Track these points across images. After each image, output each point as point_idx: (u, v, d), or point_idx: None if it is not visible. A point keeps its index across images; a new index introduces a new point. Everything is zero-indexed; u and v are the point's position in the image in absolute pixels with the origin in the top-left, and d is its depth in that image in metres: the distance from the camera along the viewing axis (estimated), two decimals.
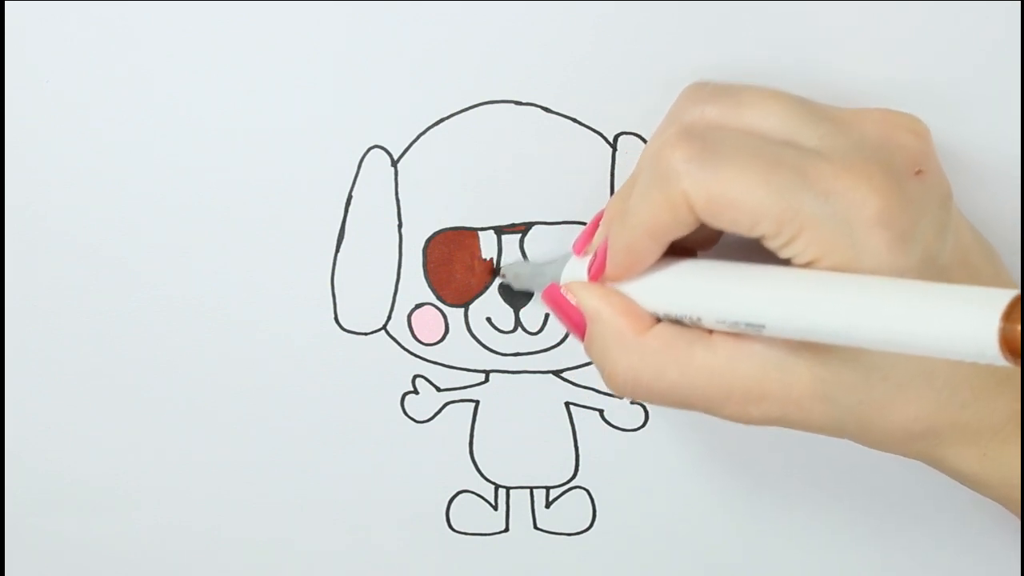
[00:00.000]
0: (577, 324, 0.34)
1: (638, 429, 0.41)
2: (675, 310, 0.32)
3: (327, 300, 0.39)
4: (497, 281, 0.39)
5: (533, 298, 0.39)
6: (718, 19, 0.35)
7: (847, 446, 0.40)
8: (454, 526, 0.43)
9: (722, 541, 0.42)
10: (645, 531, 0.42)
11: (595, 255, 0.34)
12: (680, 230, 0.30)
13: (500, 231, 0.38)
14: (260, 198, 0.38)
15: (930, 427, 0.31)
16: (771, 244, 0.29)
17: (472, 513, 0.42)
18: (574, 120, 0.37)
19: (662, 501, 0.42)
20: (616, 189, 0.37)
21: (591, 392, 0.40)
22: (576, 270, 0.35)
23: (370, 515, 0.43)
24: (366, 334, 0.40)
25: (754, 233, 0.29)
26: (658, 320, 0.33)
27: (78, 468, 0.42)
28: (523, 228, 0.38)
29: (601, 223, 0.34)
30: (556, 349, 0.40)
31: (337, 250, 0.39)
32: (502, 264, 0.38)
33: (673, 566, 0.43)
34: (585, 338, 0.34)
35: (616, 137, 0.37)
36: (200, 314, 0.40)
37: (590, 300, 0.33)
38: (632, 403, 0.41)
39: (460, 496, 0.42)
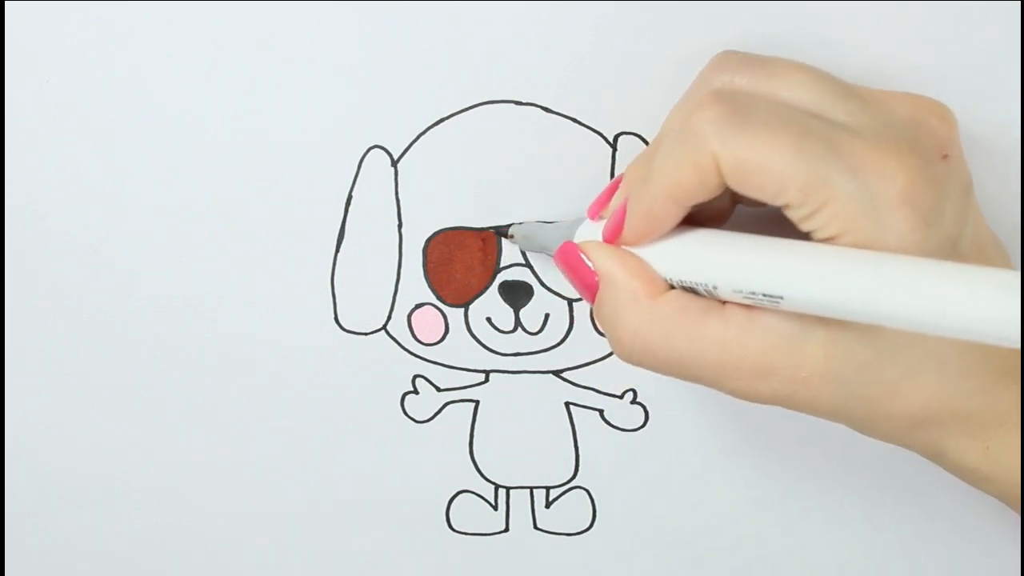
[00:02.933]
0: (589, 285, 0.33)
1: (638, 429, 0.41)
2: (690, 277, 0.31)
3: (327, 300, 0.39)
4: (497, 281, 0.39)
5: (533, 298, 0.39)
6: (719, 18, 0.35)
7: (848, 445, 0.40)
8: (454, 526, 0.43)
9: (722, 541, 0.42)
10: (645, 531, 0.42)
11: (612, 216, 0.33)
12: (704, 194, 0.30)
13: (500, 231, 0.38)
14: (260, 198, 0.38)
15: (935, 415, 0.31)
16: (794, 214, 0.29)
17: (472, 513, 0.42)
18: (574, 120, 0.37)
19: (662, 501, 0.42)
20: None
21: (591, 392, 0.40)
22: (589, 234, 0.34)
23: (370, 515, 0.43)
24: (366, 334, 0.40)
25: (779, 201, 0.29)
26: (671, 287, 0.32)
27: (78, 468, 0.42)
28: None
29: (620, 186, 0.34)
30: (556, 349, 0.40)
31: (337, 250, 0.39)
32: (512, 226, 0.38)
33: (673, 566, 0.43)
34: (596, 300, 0.33)
35: (616, 137, 0.37)
36: (200, 314, 0.40)
37: (604, 261, 0.33)
38: (632, 403, 0.41)
39: (460, 496, 0.42)
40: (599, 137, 0.37)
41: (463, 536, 0.43)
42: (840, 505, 0.42)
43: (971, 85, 0.36)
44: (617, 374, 0.40)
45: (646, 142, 0.37)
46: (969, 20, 0.35)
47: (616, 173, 0.37)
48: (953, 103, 0.34)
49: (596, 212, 0.34)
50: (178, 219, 0.38)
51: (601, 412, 0.41)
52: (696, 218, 0.32)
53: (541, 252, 0.37)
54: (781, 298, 0.29)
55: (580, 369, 0.40)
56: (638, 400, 0.40)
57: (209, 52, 0.36)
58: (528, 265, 0.39)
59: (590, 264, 0.33)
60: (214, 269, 0.39)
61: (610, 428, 0.41)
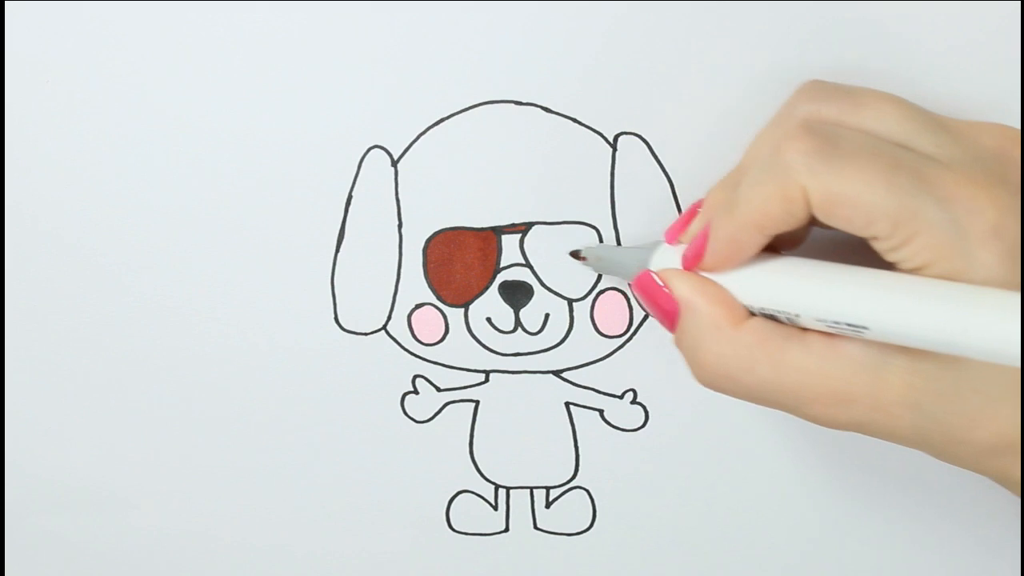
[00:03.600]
0: (668, 313, 0.33)
1: (638, 429, 0.41)
2: (772, 305, 0.31)
3: (327, 300, 0.39)
4: (497, 281, 0.39)
5: (533, 298, 0.39)
6: (718, 19, 0.35)
7: (848, 446, 0.40)
8: (454, 526, 0.43)
9: (722, 541, 0.42)
10: (645, 531, 0.42)
11: (693, 243, 0.33)
12: (789, 224, 0.30)
13: (500, 231, 0.38)
14: (260, 198, 0.38)
15: (1011, 444, 0.31)
16: (881, 245, 0.29)
17: (472, 513, 0.42)
18: (574, 120, 0.37)
19: (662, 501, 0.42)
20: (615, 189, 0.37)
21: (591, 392, 0.40)
22: (667, 258, 0.34)
23: (370, 515, 0.43)
24: (366, 334, 0.40)
25: (867, 233, 0.29)
26: (752, 314, 0.32)
27: (78, 469, 0.42)
28: (523, 228, 0.38)
29: (700, 211, 0.34)
30: (556, 349, 0.40)
31: (337, 250, 0.39)
32: (584, 247, 0.38)
33: (673, 566, 0.43)
34: (676, 328, 0.33)
35: (616, 137, 0.37)
36: (200, 314, 0.40)
37: (684, 289, 0.33)
38: (632, 403, 0.41)
39: (460, 496, 0.42)
40: (599, 137, 0.37)
41: (463, 536, 0.43)
42: (840, 505, 0.42)
43: (970, 86, 0.36)
44: (617, 374, 0.40)
45: (646, 142, 0.37)
46: (969, 20, 0.35)
47: (616, 173, 0.37)
48: (951, 104, 0.34)
49: (674, 237, 0.35)
50: (178, 219, 0.38)
51: (601, 412, 0.41)
52: (772, 241, 0.32)
53: (616, 275, 0.37)
54: (866, 328, 0.29)
55: (580, 369, 0.40)
56: (638, 400, 0.40)
57: (209, 52, 0.36)
58: (528, 265, 0.39)
59: (670, 292, 0.33)
60: (214, 269, 0.39)
61: (610, 428, 0.41)
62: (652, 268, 0.35)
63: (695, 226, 0.34)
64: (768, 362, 0.31)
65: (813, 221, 0.30)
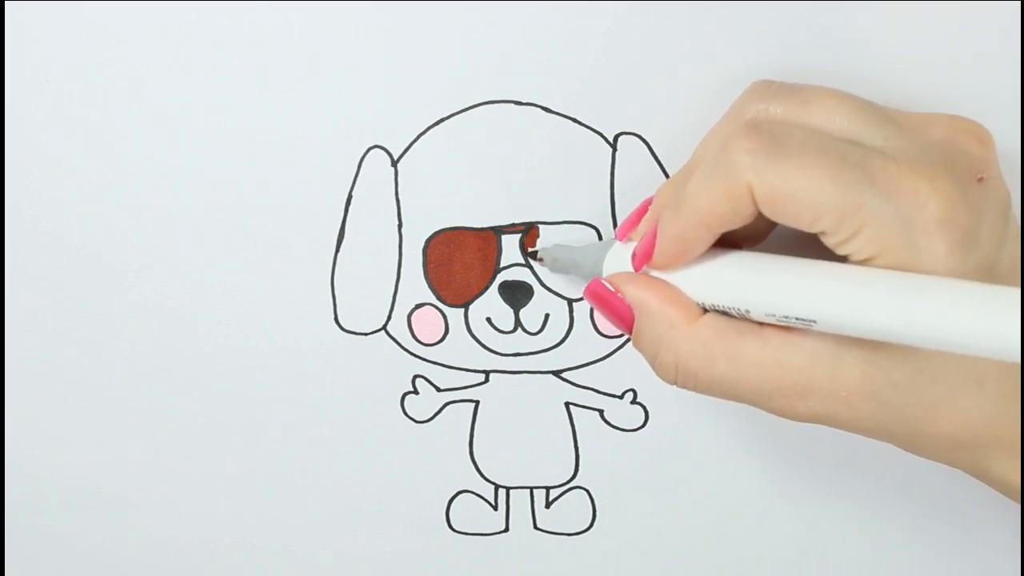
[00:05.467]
0: (623, 317, 0.34)
1: (638, 429, 0.41)
2: (723, 301, 0.31)
3: (327, 300, 0.39)
4: (497, 281, 0.39)
5: (533, 298, 0.39)
6: (718, 19, 0.35)
7: (847, 445, 0.40)
8: (454, 526, 0.43)
9: (722, 541, 0.42)
10: (645, 531, 0.42)
11: (641, 242, 0.33)
12: (736, 222, 0.30)
13: (500, 231, 0.38)
14: (260, 198, 0.38)
15: (978, 436, 0.31)
16: (830, 240, 0.29)
17: (472, 513, 0.42)
18: (574, 120, 0.37)
19: (662, 501, 0.42)
20: (615, 189, 0.37)
21: (591, 392, 0.40)
22: (618, 257, 0.34)
23: (370, 516, 0.43)
24: (366, 334, 0.40)
25: (814, 228, 0.29)
26: (704, 311, 0.32)
27: (78, 470, 0.42)
28: (523, 228, 0.38)
29: (649, 209, 0.34)
30: (556, 349, 0.40)
31: (337, 250, 0.39)
32: (539, 247, 0.38)
33: (673, 566, 0.43)
34: (633, 330, 0.34)
35: (616, 137, 0.37)
36: (201, 315, 0.40)
37: (636, 292, 0.33)
38: (632, 403, 0.41)
39: (460, 496, 0.42)
40: (599, 137, 0.37)
41: (463, 536, 0.43)
42: (840, 504, 0.42)
43: (970, 86, 0.36)
44: (617, 374, 0.40)
45: (646, 142, 0.37)
46: (969, 20, 0.35)
47: (616, 173, 0.37)
48: (951, 104, 0.34)
49: (625, 233, 0.35)
50: (178, 219, 0.38)
51: (601, 412, 0.41)
52: (733, 237, 0.32)
53: (570, 274, 0.37)
54: (814, 321, 0.29)
55: (580, 369, 0.40)
56: (638, 400, 0.40)
57: (209, 52, 0.36)
58: (528, 265, 0.39)
59: (621, 296, 0.33)
60: (214, 270, 0.39)
61: (610, 428, 0.41)
62: (605, 266, 0.35)
63: (644, 224, 0.34)
64: (726, 357, 0.32)
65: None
